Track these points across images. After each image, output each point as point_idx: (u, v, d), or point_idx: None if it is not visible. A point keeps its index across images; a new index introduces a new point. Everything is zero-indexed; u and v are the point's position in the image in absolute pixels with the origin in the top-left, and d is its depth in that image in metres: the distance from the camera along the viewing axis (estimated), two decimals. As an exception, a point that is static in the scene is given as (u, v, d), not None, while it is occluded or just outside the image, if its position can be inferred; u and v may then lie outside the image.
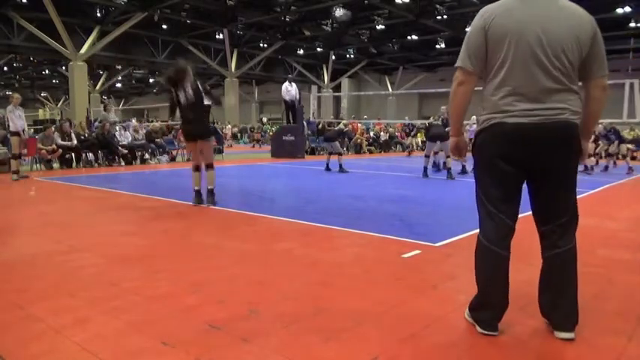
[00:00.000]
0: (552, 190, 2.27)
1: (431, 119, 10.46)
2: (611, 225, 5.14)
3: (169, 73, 5.92)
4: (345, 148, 15.54)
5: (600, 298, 2.88)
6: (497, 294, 2.31)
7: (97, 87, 37.62)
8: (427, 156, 10.15)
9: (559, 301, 2.29)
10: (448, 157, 9.72)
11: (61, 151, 10.95)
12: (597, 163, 12.82)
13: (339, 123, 14.84)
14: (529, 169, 2.25)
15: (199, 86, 5.86)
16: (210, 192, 6.08)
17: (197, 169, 6.15)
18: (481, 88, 2.37)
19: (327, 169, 10.96)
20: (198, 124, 5.94)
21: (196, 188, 6.11)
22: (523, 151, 2.19)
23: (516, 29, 2.13)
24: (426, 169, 9.97)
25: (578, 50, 2.14)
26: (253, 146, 24.13)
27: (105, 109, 14.84)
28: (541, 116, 2.14)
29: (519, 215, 2.31)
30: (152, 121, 19.45)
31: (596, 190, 8.03)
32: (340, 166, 10.77)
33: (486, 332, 2.32)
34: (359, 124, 20.79)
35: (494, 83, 2.22)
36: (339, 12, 21.77)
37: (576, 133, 2.21)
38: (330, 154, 11.20)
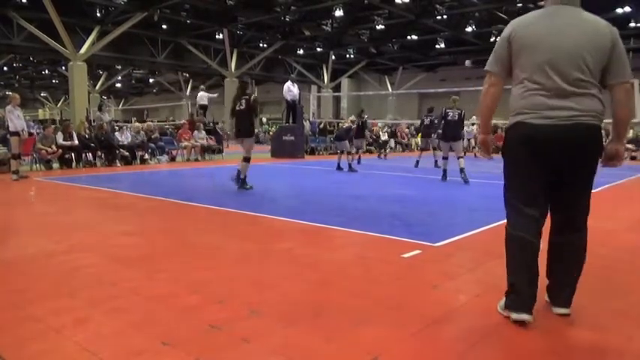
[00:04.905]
0: (564, 184, 2.44)
1: (450, 115, 8.94)
2: (611, 225, 5.14)
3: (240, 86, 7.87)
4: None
5: (600, 298, 2.88)
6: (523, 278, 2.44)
7: (97, 87, 37.60)
8: (446, 158, 9.30)
9: (563, 281, 2.53)
10: (460, 157, 8.98)
11: (61, 151, 10.95)
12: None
13: (337, 124, 14.84)
14: (549, 166, 2.41)
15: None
16: (238, 176, 7.47)
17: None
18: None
19: (339, 168, 11.06)
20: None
21: (242, 176, 7.54)
22: (542, 149, 2.37)
23: (536, 40, 2.37)
24: (445, 172, 9.17)
25: (599, 57, 2.32)
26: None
27: (100, 109, 14.80)
28: (558, 118, 2.32)
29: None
30: (147, 121, 19.52)
31: (595, 190, 8.02)
32: (349, 165, 10.89)
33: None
34: (378, 123, 21.65)
35: (519, 87, 2.45)
36: None
37: (592, 135, 2.36)
38: (342, 152, 11.24)
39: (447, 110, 9.02)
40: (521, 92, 2.43)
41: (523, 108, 2.42)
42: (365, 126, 13.11)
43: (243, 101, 7.55)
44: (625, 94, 2.39)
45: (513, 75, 2.49)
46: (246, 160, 7.55)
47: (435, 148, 13.12)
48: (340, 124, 19.41)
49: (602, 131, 2.47)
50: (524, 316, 2.39)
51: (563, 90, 2.33)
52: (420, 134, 23.61)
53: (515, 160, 2.49)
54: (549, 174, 2.44)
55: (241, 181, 7.47)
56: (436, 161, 12.02)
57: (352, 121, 11.93)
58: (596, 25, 2.37)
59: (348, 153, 11.01)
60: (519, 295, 2.42)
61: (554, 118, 2.33)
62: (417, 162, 12.40)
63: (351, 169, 10.85)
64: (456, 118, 8.97)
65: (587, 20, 2.39)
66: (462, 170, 8.70)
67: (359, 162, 12.36)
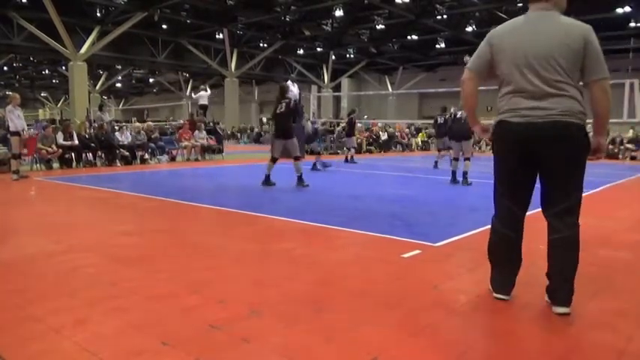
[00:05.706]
0: (549, 181, 2.58)
1: (459, 113, 8.53)
2: (611, 225, 5.14)
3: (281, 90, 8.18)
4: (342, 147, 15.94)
5: (600, 298, 2.88)
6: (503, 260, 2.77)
7: (97, 87, 37.61)
8: (456, 159, 8.77)
9: (559, 279, 2.56)
10: (467, 159, 8.53)
11: (61, 150, 10.95)
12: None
13: (338, 124, 15.11)
14: (531, 163, 2.58)
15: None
16: (299, 178, 7.93)
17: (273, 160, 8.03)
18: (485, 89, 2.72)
19: (324, 165, 11.61)
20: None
21: (267, 173, 8.04)
22: (519, 147, 2.56)
23: (514, 45, 2.54)
24: (454, 173, 8.74)
25: (571, 58, 2.43)
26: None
27: (100, 109, 14.80)
28: (534, 116, 2.48)
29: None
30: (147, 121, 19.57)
31: (595, 190, 8.03)
32: (314, 163, 11.45)
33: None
34: (378, 123, 21.97)
35: (502, 89, 2.64)
36: None
37: (571, 132, 2.46)
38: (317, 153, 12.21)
39: (457, 110, 8.78)
40: (504, 94, 2.63)
41: (507, 107, 2.60)
42: (350, 124, 14.02)
43: (284, 104, 7.89)
44: (600, 91, 2.47)
45: (499, 78, 2.66)
46: (297, 159, 7.95)
47: (448, 148, 12.94)
48: (340, 124, 19.43)
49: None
50: (502, 297, 2.74)
51: (540, 91, 2.47)
52: (421, 134, 23.58)
53: (500, 156, 2.70)
54: (533, 170, 2.60)
55: (298, 179, 7.92)
56: (436, 162, 11.94)
57: (323, 123, 13.05)
58: (569, 27, 2.47)
59: (318, 153, 12.09)
60: (499, 277, 2.77)
61: (530, 116, 2.49)
62: (436, 162, 11.95)
63: (314, 167, 11.28)
64: (465, 116, 8.38)
65: (561, 24, 2.49)
66: (465, 174, 8.44)
67: (348, 160, 13.23)
